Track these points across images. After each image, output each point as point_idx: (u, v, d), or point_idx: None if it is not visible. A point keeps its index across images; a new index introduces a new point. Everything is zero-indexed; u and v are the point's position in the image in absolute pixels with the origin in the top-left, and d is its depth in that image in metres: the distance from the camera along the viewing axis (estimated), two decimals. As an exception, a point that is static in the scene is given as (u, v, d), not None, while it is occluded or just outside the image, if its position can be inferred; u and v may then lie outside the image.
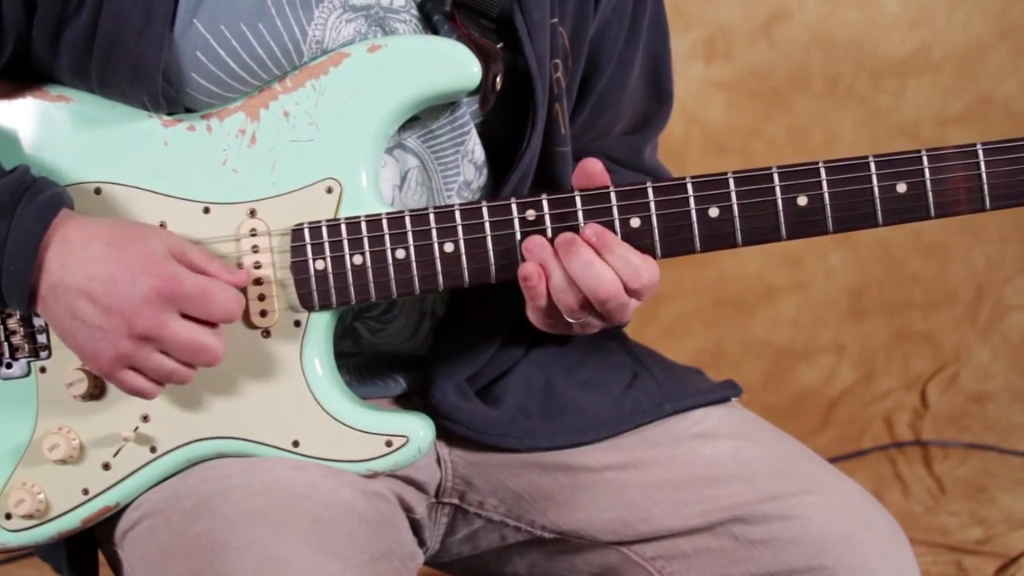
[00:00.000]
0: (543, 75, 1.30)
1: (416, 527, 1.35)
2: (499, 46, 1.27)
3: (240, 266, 1.24)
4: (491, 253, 1.22)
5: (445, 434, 1.35)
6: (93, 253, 1.17)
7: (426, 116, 1.30)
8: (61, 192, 1.20)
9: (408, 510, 1.33)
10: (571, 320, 1.21)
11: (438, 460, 1.38)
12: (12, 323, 1.27)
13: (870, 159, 1.18)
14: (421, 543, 1.36)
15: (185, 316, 1.18)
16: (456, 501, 1.40)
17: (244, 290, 1.24)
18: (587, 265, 1.18)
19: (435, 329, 1.38)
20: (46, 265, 1.17)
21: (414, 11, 1.29)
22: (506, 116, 1.32)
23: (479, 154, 1.34)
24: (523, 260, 1.21)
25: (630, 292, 1.19)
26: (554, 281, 1.19)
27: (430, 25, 1.30)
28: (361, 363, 1.38)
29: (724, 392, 1.42)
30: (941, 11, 3.11)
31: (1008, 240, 3.20)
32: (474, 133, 1.33)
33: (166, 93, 1.23)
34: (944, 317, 3.17)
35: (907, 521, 2.26)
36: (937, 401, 3.05)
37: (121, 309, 1.15)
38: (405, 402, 1.40)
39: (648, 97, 1.50)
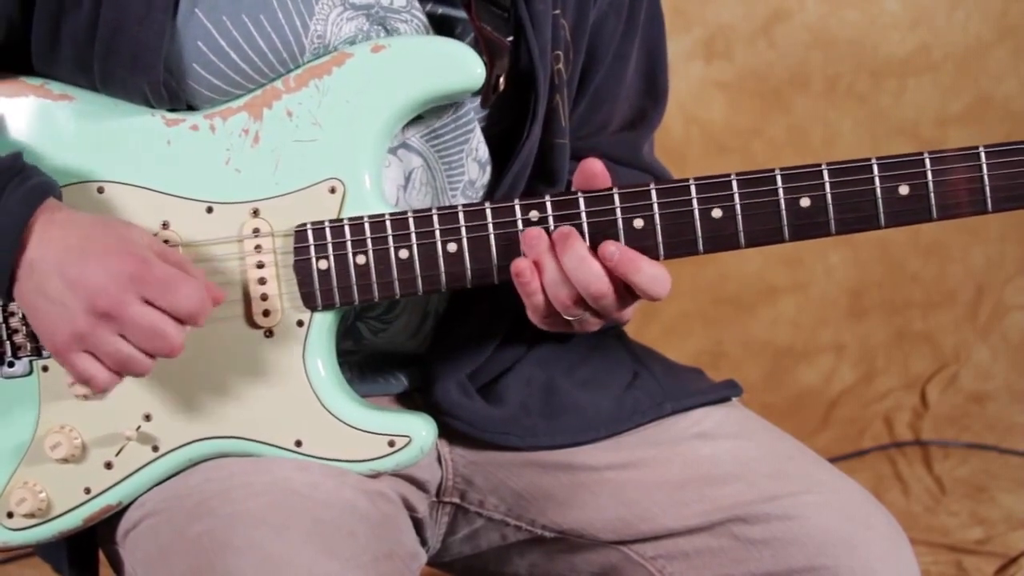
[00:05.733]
0: (545, 66, 1.29)
1: (418, 526, 1.35)
2: (509, 40, 1.27)
3: (243, 267, 1.25)
4: (494, 254, 1.22)
5: (446, 432, 1.35)
6: (72, 234, 1.16)
7: (430, 115, 1.30)
8: (50, 181, 1.20)
9: (410, 509, 1.33)
10: (568, 317, 1.21)
11: (439, 458, 1.38)
12: (14, 322, 1.27)
13: (873, 161, 1.18)
14: (423, 542, 1.36)
15: (150, 305, 1.15)
16: (457, 500, 1.40)
17: (247, 290, 1.25)
18: (580, 260, 1.17)
19: (436, 327, 1.38)
20: (28, 245, 1.16)
21: (416, 10, 1.29)
22: (508, 109, 1.32)
23: (483, 152, 1.34)
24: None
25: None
26: (548, 276, 1.19)
27: (438, 20, 1.30)
28: (362, 361, 1.38)
29: (724, 392, 1.42)
30: (941, 11, 3.11)
31: (1008, 240, 3.20)
32: (478, 131, 1.32)
33: (167, 84, 1.22)
34: (944, 317, 3.17)
35: (907, 521, 2.24)
36: (937, 401, 3.05)
37: (85, 285, 1.14)
38: (406, 400, 1.40)
39: (643, 92, 1.50)
